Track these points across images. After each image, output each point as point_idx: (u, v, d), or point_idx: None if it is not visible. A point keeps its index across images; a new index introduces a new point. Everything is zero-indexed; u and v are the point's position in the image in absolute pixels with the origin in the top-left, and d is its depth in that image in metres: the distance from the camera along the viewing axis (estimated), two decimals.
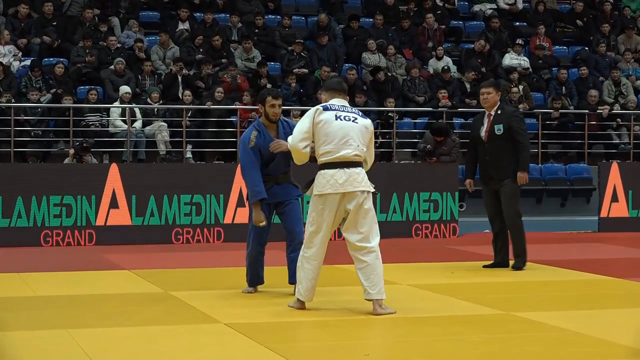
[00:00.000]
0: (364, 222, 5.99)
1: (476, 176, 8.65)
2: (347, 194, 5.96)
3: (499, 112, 8.31)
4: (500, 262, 8.49)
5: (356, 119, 6.07)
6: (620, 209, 12.15)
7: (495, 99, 8.29)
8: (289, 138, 6.21)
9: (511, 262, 8.46)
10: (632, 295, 7.16)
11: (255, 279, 6.95)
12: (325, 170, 6.00)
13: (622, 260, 9.58)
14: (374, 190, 6.09)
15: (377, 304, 5.99)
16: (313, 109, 6.13)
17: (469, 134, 8.82)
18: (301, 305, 6.21)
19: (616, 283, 7.70)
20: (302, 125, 6.09)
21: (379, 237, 6.05)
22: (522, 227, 8.38)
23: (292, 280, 6.62)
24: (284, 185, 6.72)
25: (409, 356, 5.02)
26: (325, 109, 6.08)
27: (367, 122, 6.15)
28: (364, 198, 6.00)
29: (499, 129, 8.24)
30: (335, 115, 6.02)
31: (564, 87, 15.15)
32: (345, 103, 6.17)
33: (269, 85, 14.01)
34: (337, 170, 5.96)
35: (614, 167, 12.39)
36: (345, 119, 6.02)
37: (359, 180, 5.99)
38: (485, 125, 8.32)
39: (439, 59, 15.21)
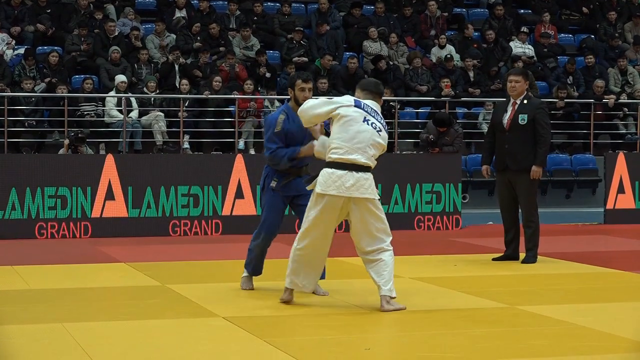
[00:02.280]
0: (373, 228, 5.87)
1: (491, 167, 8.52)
2: (352, 199, 5.81)
3: (524, 101, 8.17)
4: (510, 255, 8.37)
5: (380, 130, 5.88)
6: (626, 201, 12.01)
7: (523, 88, 8.17)
8: (309, 101, 5.96)
9: (522, 255, 8.30)
10: (638, 289, 7.09)
11: (258, 269, 6.76)
12: (333, 170, 5.79)
13: (628, 252, 9.52)
14: (378, 196, 5.95)
15: (384, 299, 5.86)
16: (345, 98, 5.92)
17: (490, 120, 8.67)
18: (289, 297, 6.08)
19: (622, 276, 7.64)
20: (327, 102, 5.88)
21: (391, 237, 5.94)
22: (538, 221, 8.26)
23: None
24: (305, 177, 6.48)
25: (410, 350, 4.96)
26: (358, 105, 5.86)
27: (386, 137, 5.97)
28: (370, 204, 5.85)
29: (522, 118, 8.11)
30: (365, 118, 5.82)
31: (571, 77, 14.99)
32: (378, 109, 5.95)
33: (267, 75, 13.86)
34: (345, 172, 5.77)
35: (620, 157, 12.24)
36: (372, 126, 5.83)
37: (366, 186, 5.83)
38: (509, 113, 8.21)
39: (442, 47, 15.04)
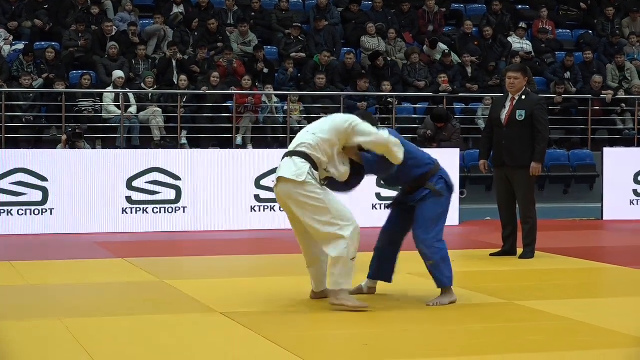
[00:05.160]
0: (308, 219, 5.59)
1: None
2: (276, 186, 5.69)
3: (523, 97, 8.16)
4: (507, 251, 8.37)
5: (324, 117, 5.89)
6: (624, 196, 11.98)
7: (522, 85, 8.15)
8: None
9: (519, 251, 8.31)
10: (635, 284, 7.09)
11: (375, 272, 6.33)
12: None
13: (625, 248, 9.54)
14: (304, 180, 5.54)
15: (332, 293, 5.71)
16: None
17: (488, 115, 8.67)
18: (313, 295, 6.08)
19: (619, 271, 7.64)
20: None
21: (333, 228, 5.56)
22: (535, 217, 8.25)
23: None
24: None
25: (408, 345, 4.96)
26: None
27: (334, 116, 5.82)
28: (292, 186, 5.56)
29: (520, 114, 8.09)
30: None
31: (569, 72, 15.00)
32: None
33: (265, 70, 13.85)
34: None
35: (618, 153, 12.28)
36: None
37: (284, 166, 5.61)
38: (507, 108, 8.19)
39: (433, 48, 15.00)
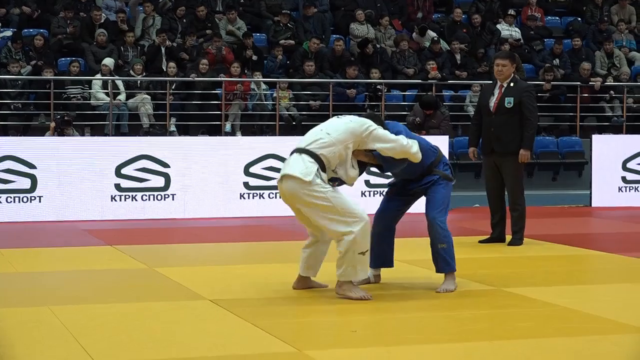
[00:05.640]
0: (316, 217, 5.59)
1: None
2: (281, 182, 5.66)
3: (511, 84, 8.16)
4: (496, 238, 8.40)
5: (340, 116, 5.84)
6: (612, 183, 12.03)
7: (510, 72, 8.15)
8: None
9: (508, 238, 8.33)
10: (623, 271, 7.12)
11: (374, 260, 6.30)
12: None
13: (613, 235, 9.58)
14: (311, 180, 5.48)
15: (337, 284, 5.76)
16: None
17: (477, 102, 8.67)
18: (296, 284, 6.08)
19: (607, 258, 7.66)
20: None
21: (342, 225, 5.55)
22: (524, 204, 8.28)
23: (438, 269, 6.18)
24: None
25: (397, 332, 4.97)
26: None
27: (356, 118, 5.76)
28: (302, 188, 5.53)
29: (509, 102, 8.10)
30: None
31: (557, 59, 15.02)
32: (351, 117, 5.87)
33: (254, 57, 13.83)
34: None
35: (607, 140, 12.29)
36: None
37: (293, 165, 5.57)
38: (496, 96, 8.20)
39: (422, 35, 14.99)
